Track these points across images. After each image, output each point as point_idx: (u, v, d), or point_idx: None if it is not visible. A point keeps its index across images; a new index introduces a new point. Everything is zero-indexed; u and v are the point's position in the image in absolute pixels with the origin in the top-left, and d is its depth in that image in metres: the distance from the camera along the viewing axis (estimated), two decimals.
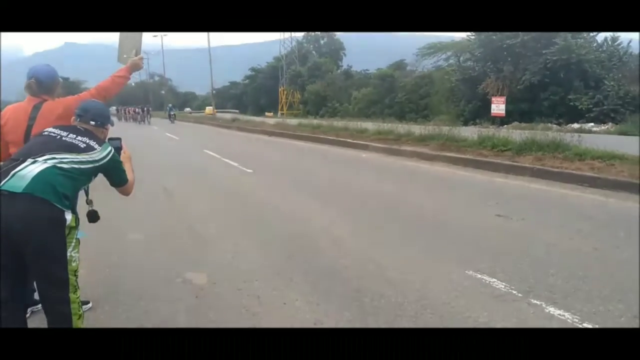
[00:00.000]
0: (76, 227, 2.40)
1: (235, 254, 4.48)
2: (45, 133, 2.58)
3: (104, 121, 2.78)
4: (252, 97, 69.43)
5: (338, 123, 19.24)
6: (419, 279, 3.70)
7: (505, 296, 3.36)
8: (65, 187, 2.32)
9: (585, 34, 24.86)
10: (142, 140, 19.54)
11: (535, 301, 3.25)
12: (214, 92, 52.92)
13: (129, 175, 2.85)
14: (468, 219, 5.52)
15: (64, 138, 2.52)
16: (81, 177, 2.47)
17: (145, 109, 44.12)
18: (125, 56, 3.34)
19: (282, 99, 57.46)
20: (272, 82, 63.34)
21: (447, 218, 5.57)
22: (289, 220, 5.74)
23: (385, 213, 5.95)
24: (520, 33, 24.96)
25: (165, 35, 56.71)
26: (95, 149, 2.54)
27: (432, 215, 5.74)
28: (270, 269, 4.05)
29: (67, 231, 2.31)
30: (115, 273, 4.08)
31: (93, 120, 2.71)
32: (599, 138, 10.76)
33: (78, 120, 2.70)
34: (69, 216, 2.32)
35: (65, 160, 2.39)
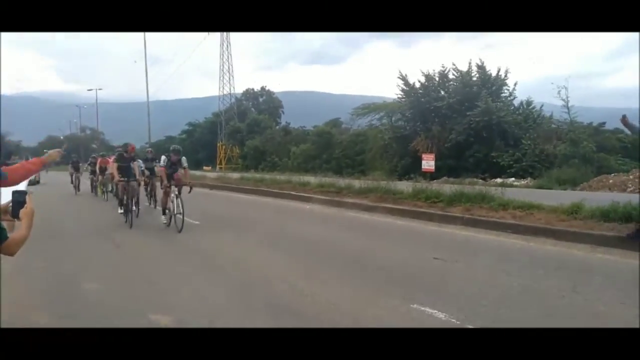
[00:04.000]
0: None
1: (195, 298, 4.69)
2: None
3: None
4: (190, 151, 68.49)
5: (281, 177, 19.72)
6: (371, 313, 4.12)
7: (446, 324, 3.84)
8: None
9: (503, 98, 27.51)
10: None
11: (470, 326, 3.76)
12: (147, 145, 52.24)
13: (21, 232, 2.25)
14: (409, 261, 6.08)
15: None
16: None
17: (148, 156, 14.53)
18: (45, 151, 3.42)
19: (220, 153, 57.67)
20: (210, 136, 63.49)
21: (390, 261, 6.09)
22: (243, 266, 6.00)
23: (333, 258, 6.37)
24: (445, 96, 27.25)
25: (100, 89, 55.98)
26: None
27: (376, 259, 6.23)
28: (233, 311, 4.31)
29: None
30: (77, 316, 4.16)
31: None
32: (520, 192, 11.93)
33: None
34: None
35: None
